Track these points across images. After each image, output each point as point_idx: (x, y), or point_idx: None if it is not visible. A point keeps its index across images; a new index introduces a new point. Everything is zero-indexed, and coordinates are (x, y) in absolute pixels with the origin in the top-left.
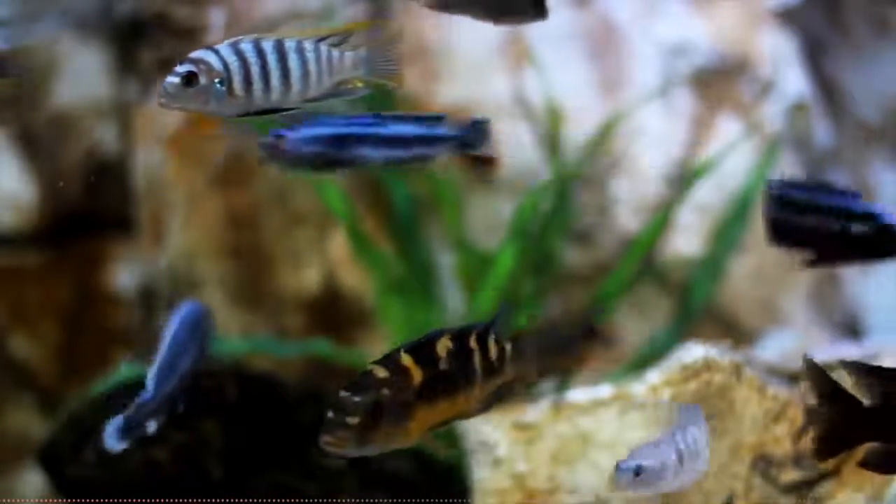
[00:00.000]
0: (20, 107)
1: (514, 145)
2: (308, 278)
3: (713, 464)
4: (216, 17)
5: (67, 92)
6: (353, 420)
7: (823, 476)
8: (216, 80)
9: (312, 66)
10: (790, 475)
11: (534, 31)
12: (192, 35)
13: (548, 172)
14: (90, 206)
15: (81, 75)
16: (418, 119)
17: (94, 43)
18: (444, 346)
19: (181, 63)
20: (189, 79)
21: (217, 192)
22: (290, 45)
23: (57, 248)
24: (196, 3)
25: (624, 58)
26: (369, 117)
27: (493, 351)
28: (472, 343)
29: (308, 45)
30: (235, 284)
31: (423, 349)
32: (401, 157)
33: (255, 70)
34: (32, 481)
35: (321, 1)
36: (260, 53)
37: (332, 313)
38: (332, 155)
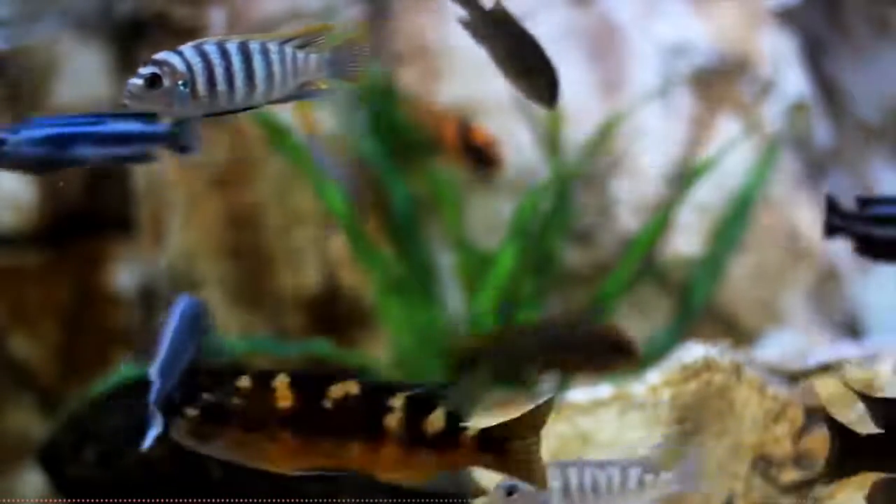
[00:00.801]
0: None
1: (514, 145)
2: (308, 278)
3: (713, 464)
4: (216, 17)
5: (67, 92)
6: (191, 412)
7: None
8: (180, 82)
9: (277, 68)
10: (790, 475)
11: (534, 30)
12: (192, 35)
13: (548, 172)
14: (90, 206)
15: (81, 75)
16: (137, 116)
17: (94, 43)
18: (345, 389)
19: (145, 65)
20: (153, 80)
21: (217, 192)
22: (254, 46)
23: (57, 248)
24: (196, 3)
25: (624, 58)
26: (90, 116)
27: (428, 424)
28: (394, 402)
29: (272, 47)
30: (235, 284)
31: (316, 381)
32: (121, 154)
33: (219, 72)
34: (32, 481)
35: (321, 1)
36: (224, 55)
37: (332, 313)
38: (54, 155)
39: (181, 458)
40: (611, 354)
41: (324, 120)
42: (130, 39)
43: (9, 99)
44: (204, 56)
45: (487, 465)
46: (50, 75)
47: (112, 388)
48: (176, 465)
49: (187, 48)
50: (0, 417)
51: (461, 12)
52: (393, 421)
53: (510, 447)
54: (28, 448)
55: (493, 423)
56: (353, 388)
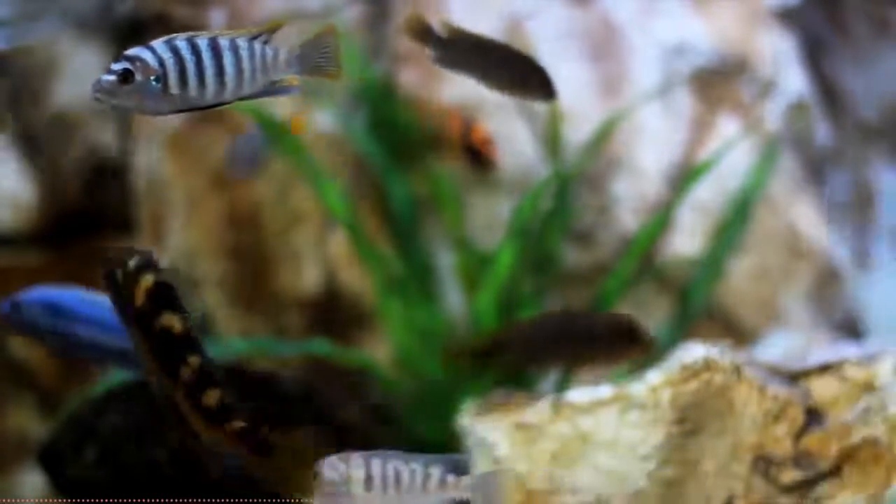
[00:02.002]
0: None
1: (514, 145)
2: (308, 278)
3: (713, 464)
4: (216, 17)
5: (67, 92)
6: None
7: (823, 476)
8: (152, 78)
9: (247, 64)
10: (790, 475)
11: (534, 30)
12: None
13: (548, 172)
14: (90, 206)
15: (81, 75)
16: None
17: (94, 43)
18: (169, 321)
19: (117, 60)
20: (125, 76)
21: (217, 192)
22: (223, 42)
23: (57, 248)
24: (196, 3)
25: (624, 58)
26: None
27: (204, 396)
28: (192, 359)
29: (242, 43)
30: (235, 284)
31: (165, 301)
32: None
33: (190, 67)
34: (32, 481)
35: (321, 1)
36: (194, 51)
37: (332, 313)
38: None
39: (181, 458)
40: (621, 343)
41: (324, 120)
42: (130, 39)
43: (9, 99)
44: (175, 52)
45: (254, 463)
46: (50, 75)
47: (112, 388)
48: (175, 465)
49: (158, 44)
50: (0, 417)
51: (429, 52)
52: (185, 373)
53: (276, 457)
54: (28, 448)
55: (263, 426)
56: (176, 324)
